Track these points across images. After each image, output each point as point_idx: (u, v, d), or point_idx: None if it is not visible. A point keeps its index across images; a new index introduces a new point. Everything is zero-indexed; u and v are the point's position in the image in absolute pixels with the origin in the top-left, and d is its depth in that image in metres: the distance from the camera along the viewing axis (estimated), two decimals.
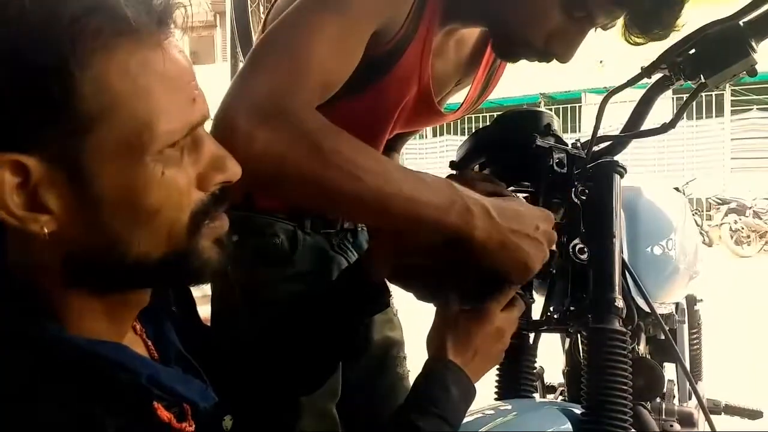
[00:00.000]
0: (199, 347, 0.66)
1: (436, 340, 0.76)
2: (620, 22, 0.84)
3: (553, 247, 0.75)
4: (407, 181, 0.66)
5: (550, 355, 1.16)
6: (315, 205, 0.74)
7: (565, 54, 0.86)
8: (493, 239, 0.69)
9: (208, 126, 0.61)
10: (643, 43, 0.85)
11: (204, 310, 0.92)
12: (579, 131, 11.05)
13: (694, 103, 0.89)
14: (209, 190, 0.54)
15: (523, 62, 0.92)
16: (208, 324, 0.95)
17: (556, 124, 0.86)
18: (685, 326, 1.34)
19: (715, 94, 10.11)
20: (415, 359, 0.94)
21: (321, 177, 0.64)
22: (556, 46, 0.85)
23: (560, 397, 1.23)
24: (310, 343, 0.79)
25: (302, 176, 0.64)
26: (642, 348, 1.12)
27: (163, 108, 0.49)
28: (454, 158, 0.89)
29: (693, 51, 0.84)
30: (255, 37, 1.15)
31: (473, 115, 10.46)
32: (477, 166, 0.88)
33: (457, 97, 1.14)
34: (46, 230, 0.48)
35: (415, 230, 0.69)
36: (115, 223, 0.49)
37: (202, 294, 0.91)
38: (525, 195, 0.85)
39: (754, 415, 1.54)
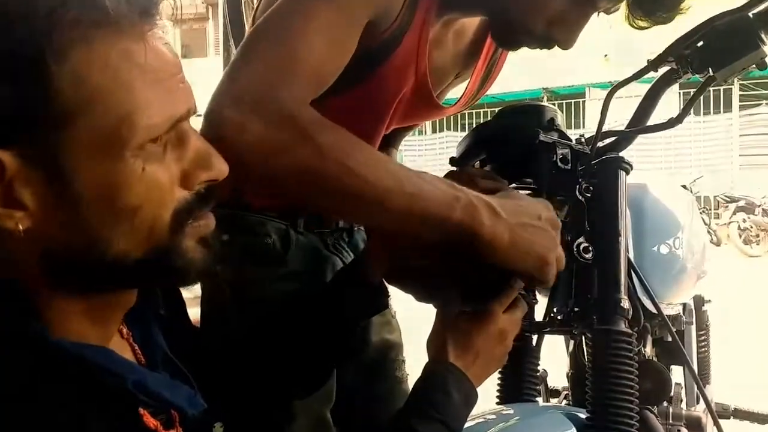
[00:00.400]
0: (188, 351, 0.65)
1: (436, 343, 0.76)
2: (623, 6, 0.84)
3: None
4: (407, 178, 0.66)
5: (554, 358, 1.16)
6: (310, 202, 0.73)
7: (567, 40, 0.85)
8: (501, 236, 0.68)
9: (197, 122, 0.60)
10: (647, 27, 0.85)
11: (195, 312, 0.91)
12: (583, 127, 11.06)
13: (701, 97, 0.89)
14: (194, 188, 0.54)
15: (525, 56, 0.92)
16: (198, 326, 0.95)
17: (560, 119, 0.86)
18: (693, 327, 1.35)
19: (724, 89, 10.13)
20: (414, 362, 0.94)
21: (317, 172, 0.63)
22: (557, 32, 0.84)
23: (564, 401, 1.23)
24: (304, 346, 0.78)
25: (297, 172, 0.64)
26: (648, 350, 1.13)
27: (144, 101, 0.48)
28: (454, 155, 0.89)
29: (701, 43, 0.84)
30: (248, 30, 1.15)
31: (474, 111, 10.47)
32: (477, 162, 0.88)
33: (457, 93, 1.14)
34: (21, 227, 0.47)
35: (417, 228, 0.68)
36: (94, 220, 0.49)
37: (193, 295, 0.91)
38: (527, 192, 0.85)
39: (764, 419, 1.54)
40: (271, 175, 0.64)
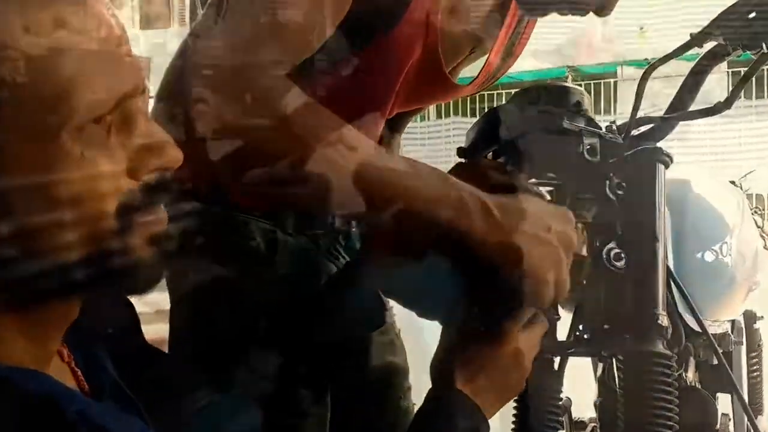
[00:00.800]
0: (144, 377, 0.65)
1: (441, 366, 0.76)
2: None
3: (584, 252, 0.75)
4: (393, 167, 0.67)
5: (579, 384, 1.16)
6: (275, 192, 0.73)
7: (605, 5, 0.85)
8: (492, 240, 0.68)
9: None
10: None
11: (158, 329, 0.91)
12: (614, 112, 11.08)
13: (753, 78, 0.89)
14: (142, 178, 0.53)
15: (547, 30, 0.92)
16: (161, 347, 0.95)
17: (587, 103, 0.86)
18: (743, 348, 1.35)
19: None
20: (419, 389, 0.94)
21: (290, 157, 0.64)
22: None
23: None
24: (292, 366, 0.79)
25: (269, 155, 0.64)
26: (691, 375, 1.13)
27: (83, 75, 0.48)
28: (463, 144, 0.89)
29: (753, 14, 0.84)
30: None
31: (486, 93, 10.48)
32: (490, 153, 0.88)
33: (472, 72, 1.14)
34: None
35: (400, 227, 0.68)
36: (25, 214, 0.49)
37: (155, 309, 0.91)
38: (549, 189, 0.85)
39: None
40: (240, 161, 0.65)
